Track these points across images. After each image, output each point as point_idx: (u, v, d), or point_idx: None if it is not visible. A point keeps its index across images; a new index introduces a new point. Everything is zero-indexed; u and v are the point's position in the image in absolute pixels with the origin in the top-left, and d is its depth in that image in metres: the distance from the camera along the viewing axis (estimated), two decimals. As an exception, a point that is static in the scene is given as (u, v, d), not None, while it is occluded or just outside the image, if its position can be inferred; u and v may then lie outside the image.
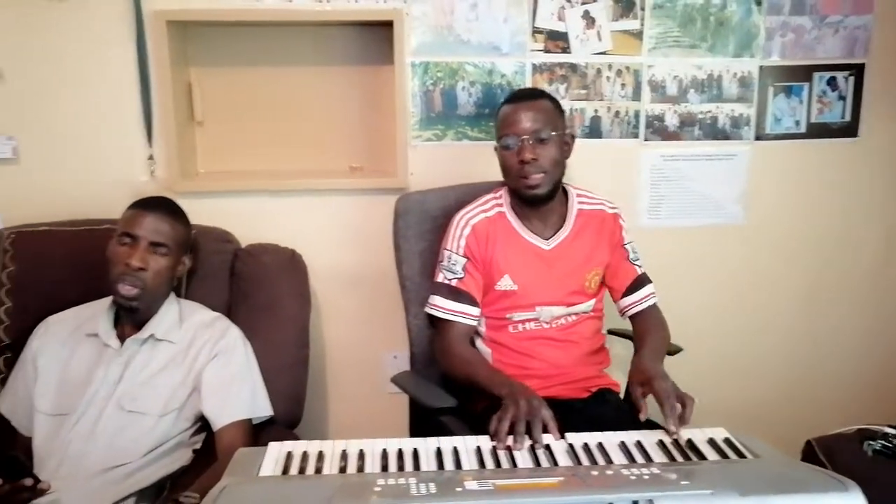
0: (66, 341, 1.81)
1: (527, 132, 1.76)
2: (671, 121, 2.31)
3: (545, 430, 1.49)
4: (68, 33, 2.10)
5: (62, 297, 1.90)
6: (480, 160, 2.22)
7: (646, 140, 2.32)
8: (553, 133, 1.78)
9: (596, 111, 2.27)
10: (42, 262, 1.98)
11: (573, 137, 1.85)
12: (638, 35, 2.24)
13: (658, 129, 2.32)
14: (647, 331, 1.85)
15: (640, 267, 1.92)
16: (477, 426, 1.55)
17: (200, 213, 2.16)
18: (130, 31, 2.11)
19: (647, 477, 1.24)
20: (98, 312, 1.81)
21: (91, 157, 2.17)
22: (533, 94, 1.84)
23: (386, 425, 2.15)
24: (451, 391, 1.79)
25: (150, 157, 2.19)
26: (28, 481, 1.47)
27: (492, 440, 1.46)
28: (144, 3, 2.09)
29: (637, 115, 2.30)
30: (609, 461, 1.39)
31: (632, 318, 1.92)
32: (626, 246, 1.92)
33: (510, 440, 1.45)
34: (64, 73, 2.13)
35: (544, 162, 1.77)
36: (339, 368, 2.37)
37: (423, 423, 1.88)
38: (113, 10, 2.09)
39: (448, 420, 1.87)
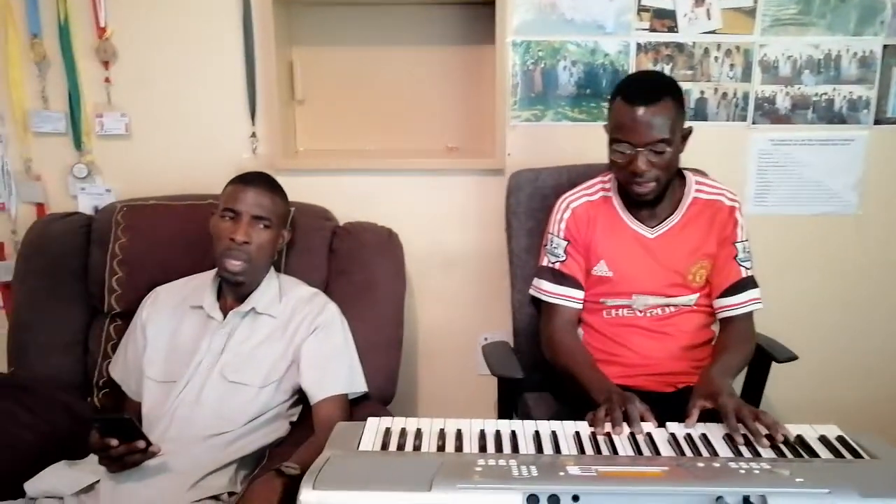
0: (174, 311, 1.87)
1: (642, 143, 1.63)
2: (783, 103, 2.21)
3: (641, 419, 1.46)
4: (180, 14, 2.17)
5: (169, 269, 1.97)
6: (580, 142, 2.18)
7: (754, 123, 2.22)
8: (671, 140, 1.64)
9: (702, 93, 2.19)
10: (150, 235, 2.05)
11: (690, 131, 1.72)
12: (751, 13, 2.14)
13: (768, 112, 2.21)
14: (728, 343, 1.73)
15: (747, 269, 1.78)
16: (563, 412, 1.53)
17: (300, 190, 2.20)
18: (238, 11, 2.16)
19: (757, 472, 1.19)
20: (203, 285, 1.87)
21: (197, 133, 2.24)
22: (656, 94, 1.64)
23: (475, 407, 2.15)
24: (552, 372, 1.79)
25: (253, 135, 2.24)
26: (141, 443, 1.53)
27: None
28: (252, -16, 2.13)
29: (746, 97, 2.20)
30: (714, 454, 1.34)
31: (721, 321, 1.81)
32: (738, 244, 1.78)
33: (608, 426, 1.42)
34: (175, 53, 2.20)
35: (656, 171, 1.66)
36: (430, 348, 2.37)
37: (509, 402, 1.88)
38: (222, -10, 2.15)
39: (530, 398, 1.87)
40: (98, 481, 1.60)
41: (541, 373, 1.89)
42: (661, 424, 1.46)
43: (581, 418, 1.47)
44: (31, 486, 1.60)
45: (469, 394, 2.35)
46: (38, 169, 2.28)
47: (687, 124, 1.71)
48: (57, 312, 2.05)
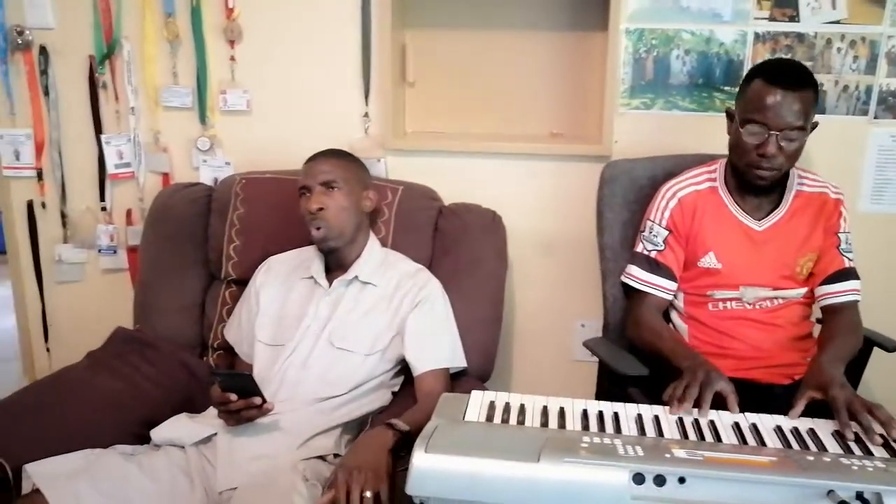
0: (285, 280, 1.96)
1: (779, 127, 1.61)
2: (908, 98, 2.12)
3: (723, 405, 1.45)
4: (304, -3, 2.26)
5: (282, 239, 2.06)
6: (690, 132, 2.16)
7: (876, 118, 2.14)
8: (804, 128, 1.64)
9: (822, 85, 2.12)
10: (266, 207, 2.15)
11: (816, 125, 1.70)
12: (880, 2, 2.05)
13: (891, 107, 2.13)
14: (835, 332, 1.70)
15: (849, 260, 1.77)
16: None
17: (407, 170, 2.27)
18: (358, -6, 2.23)
19: (871, 469, 1.18)
20: (312, 256, 1.95)
21: (314, 112, 2.32)
22: (801, 80, 1.63)
23: (568, 392, 2.15)
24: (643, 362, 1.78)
25: (366, 115, 2.31)
26: (257, 400, 1.63)
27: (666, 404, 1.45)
28: (373, -32, 2.20)
29: (869, 90, 2.12)
30: (822, 449, 1.32)
31: (824, 309, 1.78)
32: (840, 234, 1.77)
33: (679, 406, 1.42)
34: (296, 34, 2.28)
35: (783, 158, 1.64)
36: (526, 331, 2.40)
37: (611, 393, 1.88)
38: (344, -26, 2.22)
39: (635, 393, 1.87)
40: (215, 434, 1.71)
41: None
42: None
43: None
44: (156, 434, 1.73)
45: (564, 378, 2.37)
46: (166, 141, 2.42)
47: (815, 118, 1.70)
48: (178, 276, 2.19)
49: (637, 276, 1.83)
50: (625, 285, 1.88)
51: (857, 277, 1.77)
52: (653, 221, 1.82)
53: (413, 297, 1.88)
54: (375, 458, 1.46)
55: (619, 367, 1.78)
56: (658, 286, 1.81)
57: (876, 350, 1.86)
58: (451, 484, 1.17)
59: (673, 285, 1.81)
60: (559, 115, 2.38)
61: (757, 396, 1.51)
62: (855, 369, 1.84)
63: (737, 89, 2.10)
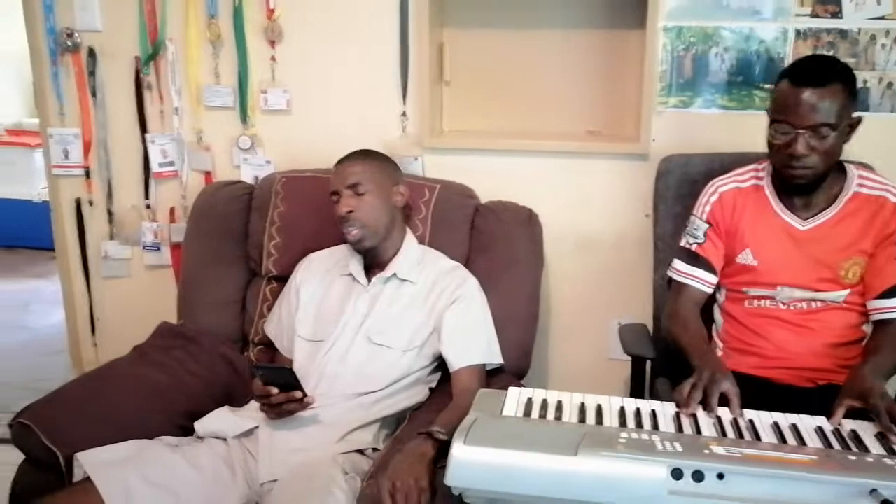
0: (324, 277, 2.00)
1: (804, 125, 1.59)
2: (954, 95, 2.08)
3: (725, 404, 1.45)
4: (342, -2, 2.29)
5: (322, 237, 2.09)
6: (729, 131, 2.15)
7: (921, 115, 2.11)
8: (837, 125, 1.60)
9: (865, 82, 2.09)
10: (306, 205, 2.18)
11: (860, 120, 1.66)
12: (925, -3, 2.03)
13: (937, 104, 2.10)
14: (883, 344, 1.65)
15: None
16: None
17: (445, 168, 2.29)
18: (397, -5, 2.25)
19: (914, 469, 1.17)
20: (351, 254, 1.97)
21: (353, 111, 2.35)
22: (824, 76, 1.60)
23: (604, 390, 2.14)
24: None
25: (404, 114, 2.34)
26: (298, 394, 1.66)
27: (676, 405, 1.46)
28: (412, -33, 2.22)
29: (913, 86, 2.09)
30: (864, 450, 1.31)
31: (875, 323, 1.72)
32: None
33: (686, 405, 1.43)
34: (335, 34, 2.31)
35: (815, 157, 1.61)
36: (562, 329, 2.41)
37: (640, 383, 1.89)
38: (383, -26, 2.25)
39: (661, 384, 1.88)
40: (257, 427, 1.75)
41: (678, 357, 1.89)
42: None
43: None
44: (199, 426, 1.77)
45: (599, 377, 2.37)
46: (208, 140, 2.47)
47: (857, 114, 1.66)
48: (220, 272, 2.23)
49: (677, 269, 1.83)
50: (669, 280, 1.88)
51: None
52: (696, 216, 1.83)
53: (450, 295, 1.90)
54: (418, 470, 1.47)
55: (627, 346, 1.87)
56: (697, 278, 1.81)
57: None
58: (489, 476, 1.19)
59: (712, 278, 1.81)
60: (596, 113, 2.37)
61: (775, 396, 1.50)
62: None
63: (777, 87, 2.11)
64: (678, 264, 1.84)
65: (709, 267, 1.80)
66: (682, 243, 1.84)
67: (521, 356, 2.05)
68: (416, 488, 1.43)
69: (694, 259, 1.81)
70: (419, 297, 1.91)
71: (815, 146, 1.61)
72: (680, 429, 1.37)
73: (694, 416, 1.41)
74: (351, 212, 1.84)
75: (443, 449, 1.51)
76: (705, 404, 1.45)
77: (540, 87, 2.38)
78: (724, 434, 1.35)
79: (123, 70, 2.44)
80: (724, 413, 1.43)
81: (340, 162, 1.92)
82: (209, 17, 2.35)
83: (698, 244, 1.81)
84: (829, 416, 1.43)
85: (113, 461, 1.55)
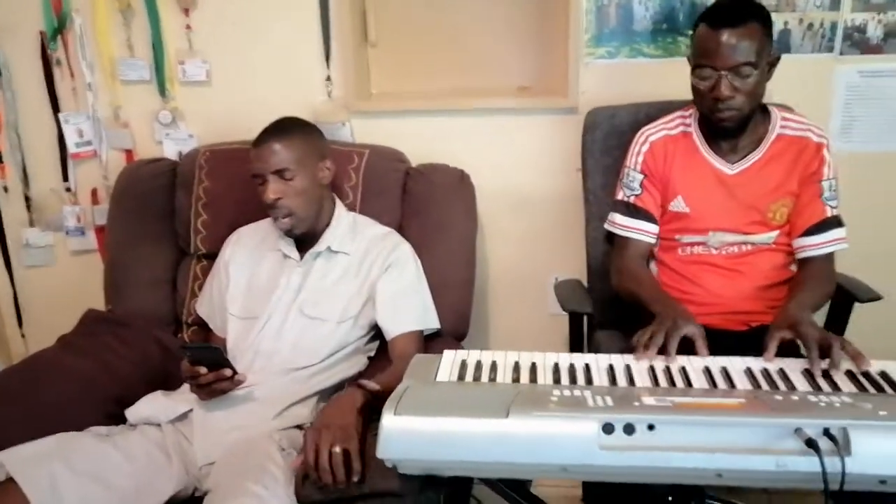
0: (254, 251, 1.95)
1: (726, 66, 1.59)
2: (874, 32, 2.09)
3: (692, 350, 1.45)
4: (256, -40, 2.19)
5: (250, 210, 2.02)
6: (657, 79, 2.13)
7: (842, 54, 2.12)
8: (757, 63, 1.60)
9: (786, 23, 2.09)
10: (232, 178, 2.11)
11: (779, 58, 1.67)
12: (841, -64, 2.03)
13: (857, 42, 2.10)
14: (807, 279, 1.69)
15: (833, 208, 1.73)
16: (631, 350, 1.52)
17: (374, 132, 2.24)
18: (312, -45, 2.17)
19: (838, 405, 1.18)
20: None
21: (275, 78, 2.27)
22: (740, 14, 1.60)
23: (546, 346, 2.12)
24: (625, 309, 1.79)
25: (328, 79, 2.26)
26: (227, 371, 1.62)
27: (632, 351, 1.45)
28: (325, -75, 2.13)
29: (834, 26, 2.09)
30: (791, 388, 1.33)
31: (800, 261, 1.76)
32: (823, 182, 1.72)
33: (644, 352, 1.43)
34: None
35: (741, 97, 1.62)
36: (501, 288, 2.39)
37: (579, 338, 1.90)
38: (297, -67, 2.15)
39: (602, 337, 1.88)
40: (191, 410, 1.70)
41: (614, 310, 1.90)
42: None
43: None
44: (131, 413, 1.72)
45: (540, 333, 2.37)
46: (126, 116, 2.36)
47: (774, 52, 1.67)
48: (147, 253, 2.16)
49: (619, 223, 1.83)
50: (609, 235, 1.87)
51: (840, 225, 1.73)
52: (629, 167, 1.82)
53: (383, 261, 1.87)
54: (344, 417, 1.46)
55: (564, 303, 1.85)
56: (639, 230, 1.81)
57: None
58: (420, 445, 1.17)
59: (654, 228, 1.81)
60: (527, 68, 2.34)
61: (710, 342, 1.50)
62: (837, 321, 1.86)
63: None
64: (618, 218, 1.83)
65: (649, 217, 1.80)
66: (619, 196, 1.83)
67: (459, 319, 2.03)
68: (342, 433, 1.41)
69: (633, 211, 1.81)
70: (352, 266, 1.88)
71: (738, 87, 1.61)
72: (613, 381, 1.36)
73: (628, 367, 1.41)
74: (279, 199, 1.77)
75: (374, 403, 1.50)
76: (664, 350, 1.43)
77: (469, 45, 2.33)
78: (656, 383, 1.35)
79: (28, 46, 2.31)
80: (657, 362, 1.43)
81: (261, 140, 1.79)
82: (116, -15, 2.24)
83: (636, 196, 1.81)
84: (762, 353, 1.44)
85: (36, 457, 1.49)
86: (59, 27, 2.28)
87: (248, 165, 1.81)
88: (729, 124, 1.68)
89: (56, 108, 2.36)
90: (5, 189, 2.45)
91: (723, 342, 1.50)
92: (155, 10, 2.25)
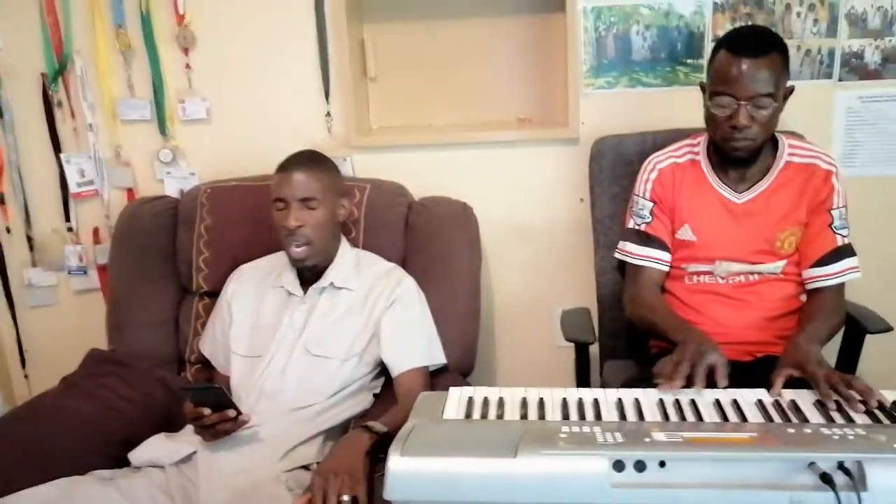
0: (257, 288, 1.93)
1: (746, 97, 1.58)
2: (872, 58, 2.10)
3: (712, 378, 1.43)
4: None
5: (252, 247, 2.03)
6: (656, 108, 2.14)
7: (840, 80, 2.12)
8: (776, 95, 1.60)
9: (784, 51, 2.11)
10: (233, 215, 2.12)
11: (792, 89, 1.67)
12: (836, -36, 2.04)
13: (856, 68, 2.11)
14: (815, 313, 1.67)
15: (843, 237, 1.71)
16: (646, 378, 1.51)
17: (375, 167, 2.24)
18: (310, -7, 2.19)
19: (851, 437, 1.16)
20: (283, 263, 1.91)
21: (275, 115, 2.29)
22: (762, 46, 1.59)
23: (554, 378, 2.15)
24: (637, 338, 1.79)
25: (328, 114, 2.28)
26: (231, 412, 1.60)
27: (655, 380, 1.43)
28: (323, -36, 2.16)
29: (831, 53, 2.10)
30: (804, 420, 1.31)
31: (809, 292, 1.73)
32: (833, 211, 1.70)
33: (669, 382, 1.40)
34: (250, 36, 2.25)
35: (757, 128, 1.61)
36: (507, 320, 2.38)
37: (584, 369, 1.88)
38: (295, -27, 2.18)
39: (611, 368, 1.87)
40: (195, 452, 1.68)
41: (625, 339, 1.88)
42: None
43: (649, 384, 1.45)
44: (134, 456, 1.70)
45: (547, 365, 2.35)
46: (127, 155, 2.38)
47: (790, 83, 1.67)
48: (149, 292, 2.15)
49: (630, 251, 1.81)
50: (620, 264, 1.86)
51: (852, 254, 1.71)
52: (638, 195, 1.81)
53: (387, 297, 1.86)
54: (352, 461, 1.44)
55: (567, 332, 1.85)
56: (652, 258, 1.79)
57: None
58: (428, 486, 1.15)
59: (667, 256, 1.80)
60: (525, 100, 2.35)
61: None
62: (849, 355, 1.84)
63: (700, 61, 2.11)
64: (629, 247, 1.81)
65: (662, 245, 1.79)
66: (630, 225, 1.82)
67: (466, 353, 2.02)
68: (349, 479, 1.39)
69: (645, 239, 1.79)
70: (356, 303, 1.86)
71: (755, 117, 1.61)
72: (623, 416, 1.34)
73: (637, 401, 1.39)
74: (301, 226, 1.77)
75: (382, 443, 1.49)
76: (690, 380, 1.41)
77: (468, 78, 2.35)
78: (667, 417, 1.33)
79: (30, 88, 2.34)
80: (667, 396, 1.41)
81: (290, 167, 1.80)
82: (116, 27, 2.26)
83: (646, 224, 1.80)
84: (768, 388, 1.42)
85: (40, 503, 1.47)
86: (60, 69, 2.30)
87: (273, 190, 1.80)
88: (742, 154, 1.67)
89: (58, 148, 2.38)
90: (8, 230, 2.45)
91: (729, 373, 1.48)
92: (155, 50, 2.27)
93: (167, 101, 2.31)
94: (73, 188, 2.39)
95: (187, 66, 2.28)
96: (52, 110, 2.35)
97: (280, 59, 2.25)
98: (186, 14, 2.23)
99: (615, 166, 2.01)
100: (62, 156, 2.37)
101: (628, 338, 1.86)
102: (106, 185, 2.39)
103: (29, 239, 2.45)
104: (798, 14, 2.08)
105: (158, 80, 2.29)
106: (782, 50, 1.63)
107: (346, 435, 1.55)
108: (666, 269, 1.81)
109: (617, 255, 1.85)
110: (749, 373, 1.51)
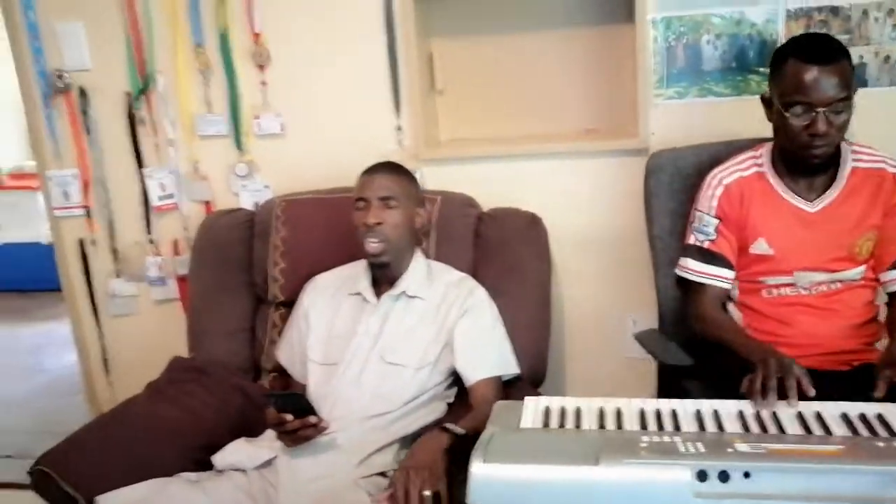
0: (332, 298, 1.98)
1: (824, 103, 1.58)
2: (953, 63, 2.05)
3: (799, 390, 1.41)
4: (326, 15, 2.27)
5: (326, 258, 2.08)
6: (728, 118, 2.12)
7: (920, 87, 2.07)
8: (850, 98, 1.60)
9: (861, 57, 2.06)
10: (308, 227, 2.18)
11: (856, 90, 1.66)
12: (916, -33, 2.00)
13: (936, 74, 2.06)
14: None
15: None
16: (722, 391, 1.50)
17: (444, 179, 2.27)
18: (380, 7, 2.24)
19: (945, 452, 1.14)
20: (358, 272, 1.96)
21: (347, 129, 2.34)
22: (832, 54, 1.61)
23: (624, 388, 2.13)
24: (695, 353, 1.76)
25: (399, 128, 2.32)
26: (313, 419, 1.64)
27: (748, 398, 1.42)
28: (394, -21, 2.21)
29: (911, 58, 2.06)
30: (893, 434, 1.28)
31: (891, 295, 1.72)
32: None
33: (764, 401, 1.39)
34: (322, 53, 2.31)
35: (834, 132, 1.61)
36: (577, 330, 2.38)
37: (667, 387, 1.86)
38: (366, -11, 2.24)
39: (690, 386, 1.85)
40: (276, 457, 1.73)
41: (690, 355, 1.86)
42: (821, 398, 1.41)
43: (732, 397, 1.45)
44: (217, 459, 1.76)
45: (618, 375, 2.33)
46: (205, 169, 2.46)
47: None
48: (227, 302, 2.23)
49: (692, 269, 1.80)
50: (680, 280, 1.85)
51: None
52: (701, 211, 1.80)
53: (459, 307, 1.88)
54: (432, 458, 1.49)
55: (664, 357, 1.80)
56: (715, 276, 1.78)
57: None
58: (511, 492, 1.17)
59: (730, 273, 1.79)
60: (592, 110, 2.35)
61: (814, 384, 1.46)
62: None
63: (774, 70, 2.08)
64: (691, 263, 1.81)
65: (725, 263, 1.78)
66: (691, 241, 1.81)
67: (537, 363, 2.03)
68: (430, 475, 1.44)
69: (708, 256, 1.79)
70: (429, 312, 1.89)
71: (833, 122, 1.61)
72: (702, 427, 1.34)
73: (716, 412, 1.38)
74: (379, 224, 1.83)
75: (459, 444, 1.53)
76: (783, 395, 1.40)
77: (534, 89, 2.36)
78: (747, 429, 1.32)
79: (115, 106, 2.45)
80: (746, 407, 1.40)
81: (372, 171, 1.90)
82: (196, 46, 2.35)
83: (710, 240, 1.79)
84: (871, 390, 1.41)
85: (134, 501, 1.54)
86: (143, 87, 2.41)
87: (355, 192, 1.89)
88: (820, 160, 1.66)
89: (140, 163, 2.48)
90: (93, 242, 2.57)
91: (825, 383, 1.46)
92: (232, 69, 2.36)
93: (243, 117, 2.39)
94: (154, 202, 2.49)
95: (262, 82, 2.35)
96: (136, 127, 2.45)
97: (351, 74, 2.31)
98: (262, 32, 2.31)
99: (673, 180, 1.98)
100: (144, 170, 2.47)
101: (691, 353, 1.84)
102: (185, 198, 2.48)
103: (113, 251, 2.56)
104: (876, 19, 2.04)
105: (235, 96, 2.37)
106: (847, 54, 1.64)
107: (426, 435, 1.62)
108: (728, 286, 1.80)
109: (678, 273, 1.84)
110: (848, 382, 1.50)
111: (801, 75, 1.60)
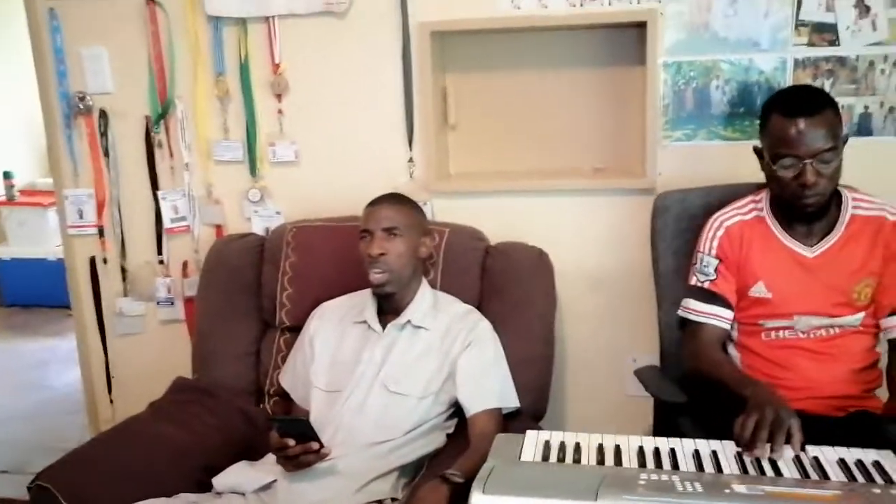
0: (338, 325, 2.00)
1: (810, 155, 1.62)
2: (958, 116, 2.08)
3: (788, 440, 1.42)
4: (345, 49, 2.32)
5: (334, 285, 2.10)
6: (733, 161, 2.14)
7: (926, 138, 2.11)
8: (837, 147, 1.64)
9: (866, 107, 2.10)
10: (317, 254, 2.21)
11: (847, 138, 1.71)
12: (921, 21, 2.04)
13: (941, 126, 2.10)
14: None
15: None
16: (715, 430, 1.50)
17: (453, 212, 2.31)
18: (397, 43, 2.29)
19: (942, 501, 1.14)
20: (364, 301, 1.98)
21: (360, 159, 2.38)
22: (815, 105, 1.65)
23: (623, 427, 2.12)
24: (689, 391, 1.78)
25: (411, 160, 2.36)
26: (315, 445, 1.65)
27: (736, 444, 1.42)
28: (412, 17, 2.26)
29: (916, 110, 2.09)
30: (890, 482, 1.29)
31: (891, 342, 1.73)
32: None
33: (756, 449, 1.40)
34: (339, 85, 2.35)
35: (824, 182, 1.65)
36: (578, 367, 2.39)
37: (663, 424, 1.87)
38: (384, 24, 2.28)
39: (684, 423, 1.85)
40: (275, 480, 1.74)
41: (687, 395, 1.87)
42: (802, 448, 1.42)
43: (725, 435, 1.45)
44: (218, 481, 1.77)
45: (618, 414, 2.33)
46: (218, 194, 2.50)
47: (843, 132, 1.70)
48: (233, 325, 2.24)
49: (692, 308, 1.82)
50: (680, 321, 1.87)
51: None
52: (703, 252, 1.83)
53: (464, 339, 1.90)
54: None
55: (659, 393, 1.83)
56: (714, 315, 1.80)
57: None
58: (509, 525, 1.17)
59: (729, 314, 1.80)
60: (601, 150, 2.39)
61: (808, 428, 1.48)
62: None
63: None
64: (692, 303, 1.83)
65: (725, 303, 1.80)
66: (693, 282, 1.84)
67: (538, 398, 2.04)
68: None
69: (709, 297, 1.81)
70: (434, 343, 1.91)
71: (821, 172, 1.64)
72: (700, 467, 1.35)
73: (714, 453, 1.39)
74: (383, 254, 1.86)
75: (459, 493, 1.51)
76: (771, 446, 1.40)
77: (545, 127, 2.40)
78: (745, 471, 1.33)
79: (134, 129, 2.49)
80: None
81: (377, 203, 1.94)
82: (217, 74, 2.40)
83: (710, 281, 1.81)
84: (865, 438, 1.42)
85: (132, 522, 1.55)
86: (162, 112, 2.46)
87: (361, 224, 1.92)
88: (813, 209, 1.69)
89: (155, 185, 2.52)
90: (105, 261, 2.60)
91: (819, 428, 1.47)
92: (250, 96, 2.40)
93: (259, 144, 2.43)
94: (166, 223, 2.52)
95: (279, 111, 2.40)
96: (153, 150, 2.50)
97: (367, 107, 2.35)
98: (282, 63, 2.36)
99: (679, 220, 2.01)
100: (159, 193, 2.51)
101: (688, 392, 1.84)
102: (197, 221, 2.52)
103: (123, 270, 2.59)
104: (882, 71, 2.08)
105: (252, 123, 2.42)
106: (832, 103, 1.68)
107: (426, 486, 1.59)
108: (727, 326, 1.81)
109: (680, 314, 1.86)
110: (843, 428, 1.50)
111: (786, 129, 1.64)
